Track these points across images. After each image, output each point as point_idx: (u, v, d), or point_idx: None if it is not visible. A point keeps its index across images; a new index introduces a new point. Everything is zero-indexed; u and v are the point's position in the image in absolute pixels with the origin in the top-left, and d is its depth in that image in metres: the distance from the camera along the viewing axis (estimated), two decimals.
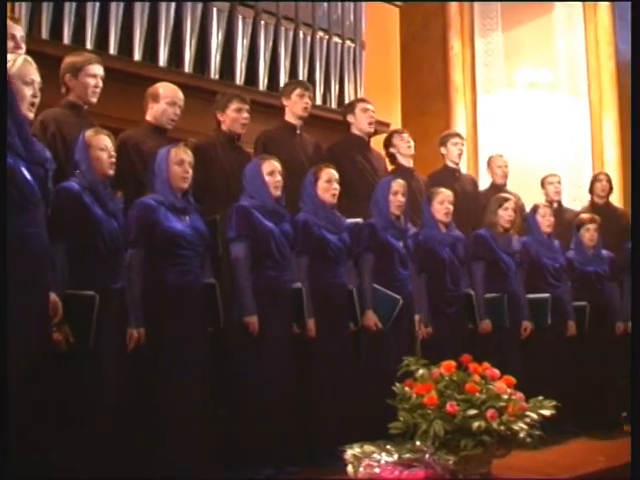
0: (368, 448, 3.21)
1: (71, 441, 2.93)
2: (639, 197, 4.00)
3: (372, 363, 4.22)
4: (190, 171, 3.62)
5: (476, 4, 7.87)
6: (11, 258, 2.52)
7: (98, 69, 3.77)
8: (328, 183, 4.17)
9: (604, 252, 5.45)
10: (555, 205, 5.80)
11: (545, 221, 5.18)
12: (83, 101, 3.75)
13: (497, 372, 3.48)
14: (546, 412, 3.39)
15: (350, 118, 5.09)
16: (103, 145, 3.28)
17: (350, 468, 3.20)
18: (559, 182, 6.04)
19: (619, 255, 5.40)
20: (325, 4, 6.17)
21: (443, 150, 5.62)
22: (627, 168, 6.24)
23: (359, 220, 4.42)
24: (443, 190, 4.78)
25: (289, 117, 4.81)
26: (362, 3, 6.43)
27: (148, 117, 4.11)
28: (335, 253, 4.13)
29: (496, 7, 7.87)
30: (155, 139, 3.96)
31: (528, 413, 3.35)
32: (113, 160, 3.31)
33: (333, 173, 4.20)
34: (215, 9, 5.46)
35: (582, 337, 5.17)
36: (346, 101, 5.97)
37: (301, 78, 5.76)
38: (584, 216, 5.53)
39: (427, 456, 3.13)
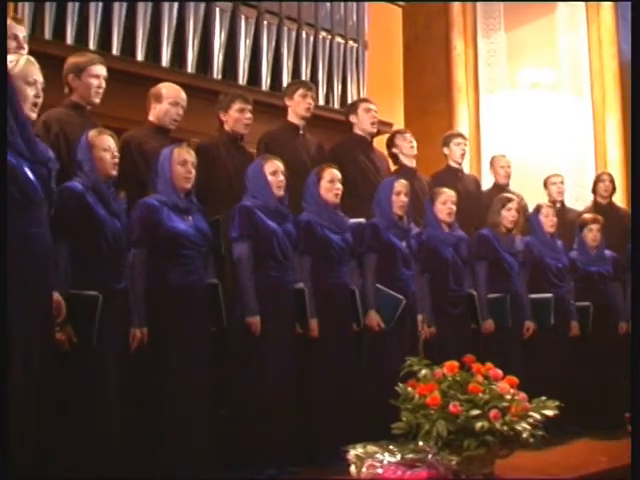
0: (371, 448, 3.21)
1: (71, 441, 2.93)
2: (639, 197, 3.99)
3: (375, 363, 4.21)
4: (193, 171, 3.62)
5: (479, 4, 7.85)
6: (14, 258, 2.52)
7: (101, 69, 3.77)
8: (331, 183, 4.17)
9: (607, 252, 5.44)
10: (558, 205, 5.79)
11: (548, 221, 5.17)
12: (86, 101, 3.75)
13: (500, 372, 3.48)
14: (549, 412, 3.39)
15: (353, 118, 5.08)
16: (106, 145, 3.29)
17: (353, 468, 3.20)
18: (562, 182, 6.02)
19: (622, 255, 5.38)
20: (328, 4, 6.17)
21: (446, 150, 5.61)
22: (630, 168, 6.22)
23: (362, 220, 4.42)
24: (446, 190, 4.77)
25: (292, 117, 4.80)
26: (365, 3, 6.43)
27: (151, 117, 4.11)
28: (338, 253, 4.13)
29: (499, 7, 7.85)
30: (158, 139, 3.96)
31: (531, 413, 3.35)
32: (116, 160, 3.32)
33: (336, 173, 4.20)
34: (218, 9, 5.47)
35: (585, 337, 5.17)
36: (349, 101, 5.98)
37: (304, 78, 5.77)
38: (587, 216, 5.51)
39: (430, 456, 3.13)
